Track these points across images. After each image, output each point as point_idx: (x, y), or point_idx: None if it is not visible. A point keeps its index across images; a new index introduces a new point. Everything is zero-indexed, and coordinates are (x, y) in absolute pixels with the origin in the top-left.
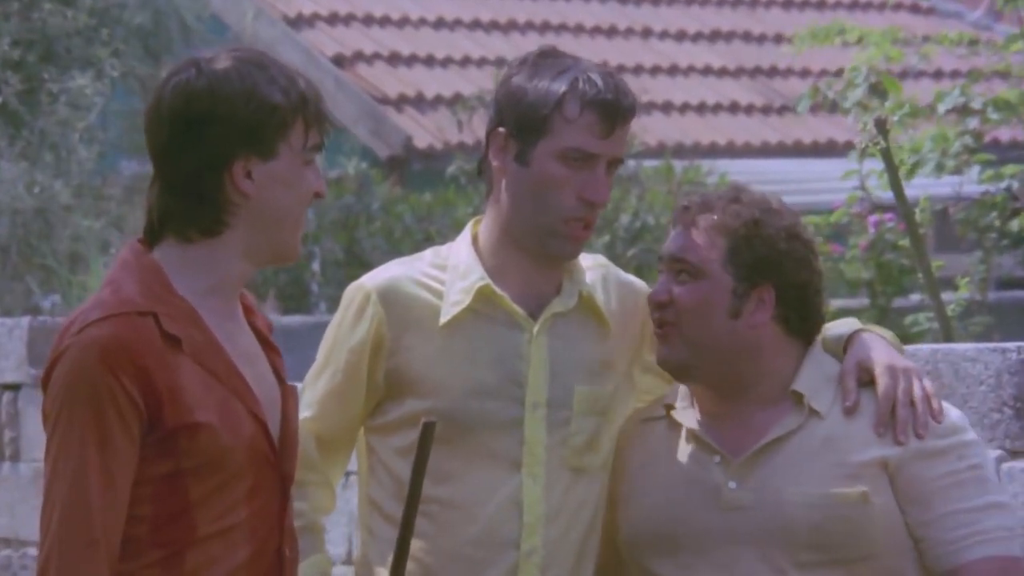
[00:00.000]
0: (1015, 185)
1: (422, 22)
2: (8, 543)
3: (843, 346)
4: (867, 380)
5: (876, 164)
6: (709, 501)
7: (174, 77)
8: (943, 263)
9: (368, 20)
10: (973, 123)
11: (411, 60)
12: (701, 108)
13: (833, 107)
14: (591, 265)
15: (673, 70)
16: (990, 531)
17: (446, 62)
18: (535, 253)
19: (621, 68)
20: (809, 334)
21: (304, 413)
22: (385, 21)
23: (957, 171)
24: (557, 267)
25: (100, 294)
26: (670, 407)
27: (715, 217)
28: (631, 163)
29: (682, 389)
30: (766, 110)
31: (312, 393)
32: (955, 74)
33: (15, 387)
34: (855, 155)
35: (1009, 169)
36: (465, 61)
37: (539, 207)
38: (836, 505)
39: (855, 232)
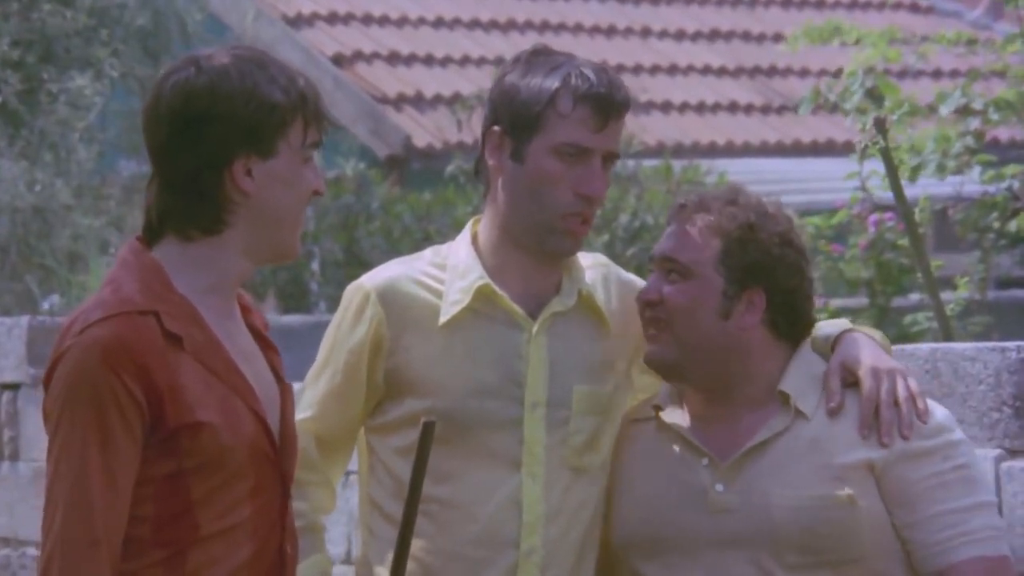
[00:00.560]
0: (1016, 185)
1: (421, 21)
2: (7, 543)
3: (831, 346)
4: (852, 381)
5: (877, 164)
6: (696, 503)
7: (173, 75)
8: (942, 263)
9: (367, 19)
10: (974, 124)
11: (410, 59)
12: (700, 108)
13: (833, 107)
14: (591, 264)
15: (672, 70)
16: (977, 531)
17: (445, 61)
18: (534, 251)
19: (620, 68)
20: (797, 338)
21: (304, 413)
22: (384, 20)
23: (958, 171)
24: (556, 265)
25: (100, 293)
26: (659, 408)
27: (711, 218)
28: (630, 163)
29: (670, 390)
30: (765, 110)
31: (312, 393)
32: (954, 73)
33: (14, 386)
34: (855, 155)
35: (1010, 169)
36: (464, 60)
37: (536, 204)
38: (823, 507)
39: (855, 232)
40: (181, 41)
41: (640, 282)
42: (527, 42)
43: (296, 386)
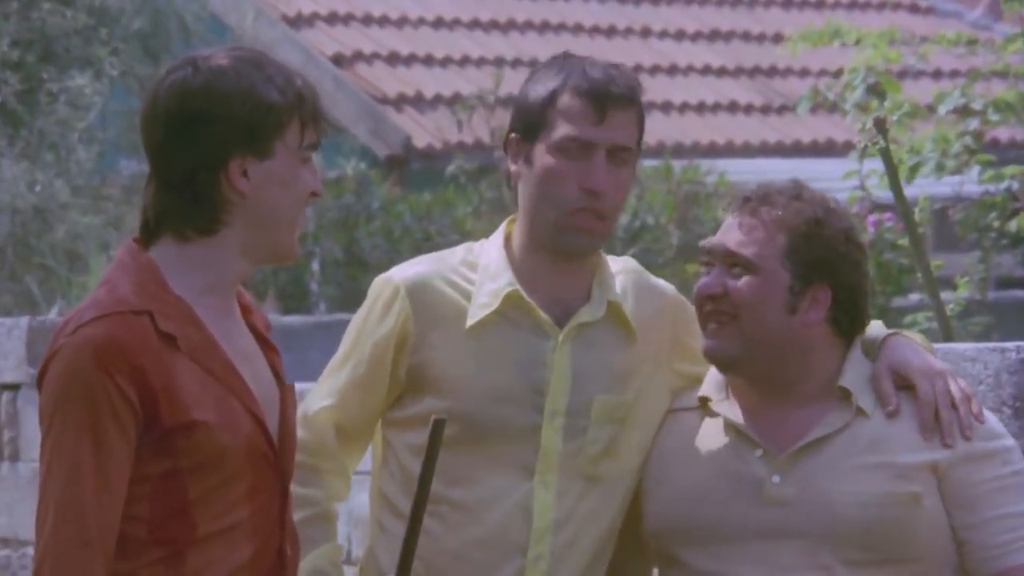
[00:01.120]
0: (1015, 185)
1: (421, 22)
2: (7, 543)
3: (876, 348)
4: (901, 384)
5: (876, 164)
6: (749, 494)
7: (170, 75)
8: (942, 263)
9: (367, 20)
10: (973, 124)
11: (410, 60)
12: (700, 108)
13: (833, 107)
14: (620, 269)
15: (672, 70)
16: None
17: (445, 62)
18: (555, 252)
19: None
20: (854, 335)
21: (325, 401)
22: (384, 21)
23: (957, 171)
24: (582, 266)
25: (96, 293)
26: (706, 399)
27: (777, 212)
28: None
29: (719, 381)
30: (765, 110)
31: (334, 382)
32: (954, 74)
33: (14, 387)
34: (855, 155)
35: (1010, 169)
36: (464, 61)
37: (546, 202)
38: (889, 505)
39: None
40: (181, 41)
41: (668, 287)
42: (527, 42)
43: (297, 386)
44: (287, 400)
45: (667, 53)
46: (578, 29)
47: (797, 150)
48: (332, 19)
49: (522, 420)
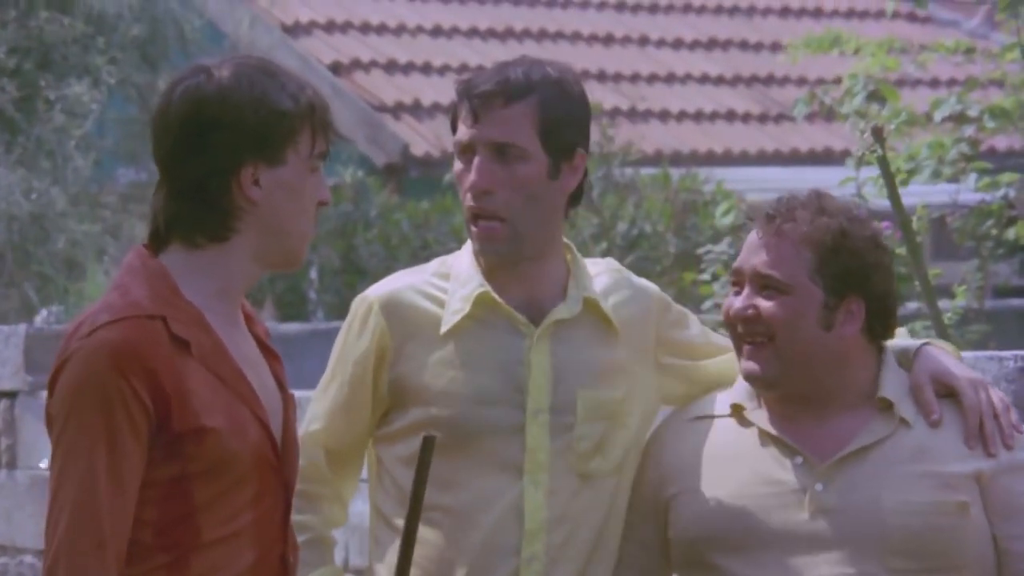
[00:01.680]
0: (1011, 193)
1: (419, 30)
2: (5, 550)
3: (911, 358)
4: (942, 393)
5: (873, 172)
6: (791, 501)
7: (183, 82)
8: (940, 271)
9: (365, 28)
10: (969, 131)
11: (408, 68)
12: (698, 116)
13: (830, 114)
14: (601, 270)
15: (670, 78)
16: None
17: (443, 70)
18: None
19: (618, 76)
20: (885, 339)
21: (313, 425)
22: (382, 29)
23: (953, 179)
24: (547, 268)
25: (108, 297)
26: (739, 407)
27: (802, 229)
28: (628, 171)
29: (749, 389)
30: (763, 118)
31: (320, 405)
32: (952, 82)
33: (12, 395)
34: (852, 163)
35: (1006, 177)
36: (462, 69)
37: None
38: (936, 514)
39: None
40: (178, 49)
41: (651, 286)
42: (525, 50)
43: (296, 395)
44: (289, 408)
45: (665, 61)
46: (576, 37)
47: (795, 158)
48: (330, 27)
49: (506, 420)
